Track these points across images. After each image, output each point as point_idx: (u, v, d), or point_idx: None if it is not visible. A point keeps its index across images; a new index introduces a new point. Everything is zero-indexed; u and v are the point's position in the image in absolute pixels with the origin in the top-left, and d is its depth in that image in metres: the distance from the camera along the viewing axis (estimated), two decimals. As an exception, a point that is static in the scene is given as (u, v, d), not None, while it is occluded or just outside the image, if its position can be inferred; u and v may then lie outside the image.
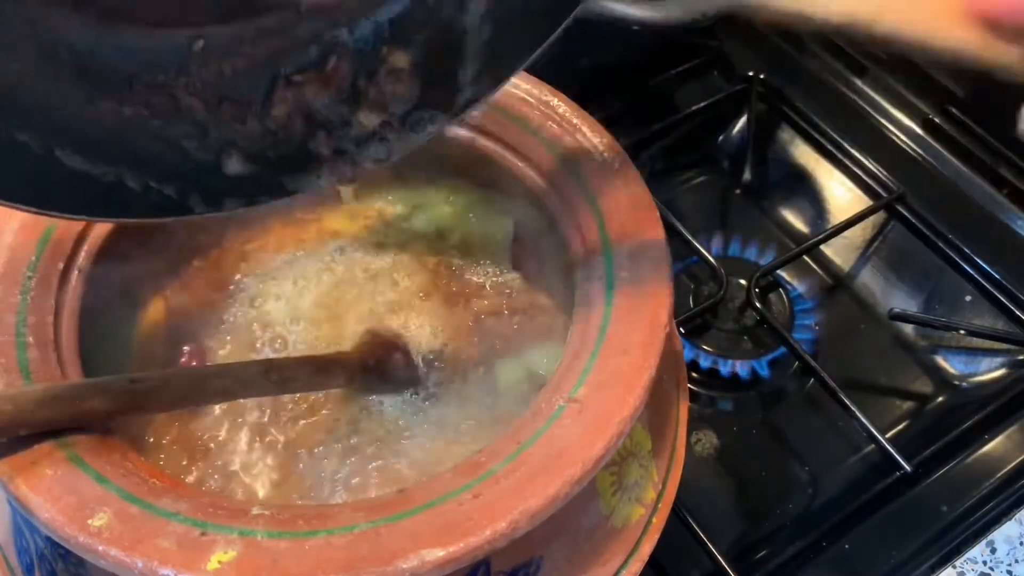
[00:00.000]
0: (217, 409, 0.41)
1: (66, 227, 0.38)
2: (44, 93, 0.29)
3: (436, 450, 0.41)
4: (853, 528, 0.50)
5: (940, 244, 0.63)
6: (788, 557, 0.49)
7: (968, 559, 0.47)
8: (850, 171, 0.68)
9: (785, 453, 0.55)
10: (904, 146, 0.69)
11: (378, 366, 0.42)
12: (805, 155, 0.70)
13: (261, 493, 0.40)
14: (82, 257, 0.38)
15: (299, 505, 0.38)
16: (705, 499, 0.51)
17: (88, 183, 0.31)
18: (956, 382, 0.58)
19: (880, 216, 0.65)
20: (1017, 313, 0.59)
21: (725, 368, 0.57)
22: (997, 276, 0.61)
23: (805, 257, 0.63)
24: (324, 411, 0.42)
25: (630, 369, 0.33)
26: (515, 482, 0.30)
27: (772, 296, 0.60)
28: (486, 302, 0.46)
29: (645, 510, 0.38)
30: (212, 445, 0.41)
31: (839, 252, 0.65)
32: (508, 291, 0.46)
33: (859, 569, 0.48)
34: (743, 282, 0.59)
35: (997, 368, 0.58)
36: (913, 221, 0.64)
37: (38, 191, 0.30)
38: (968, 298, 0.62)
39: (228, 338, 0.44)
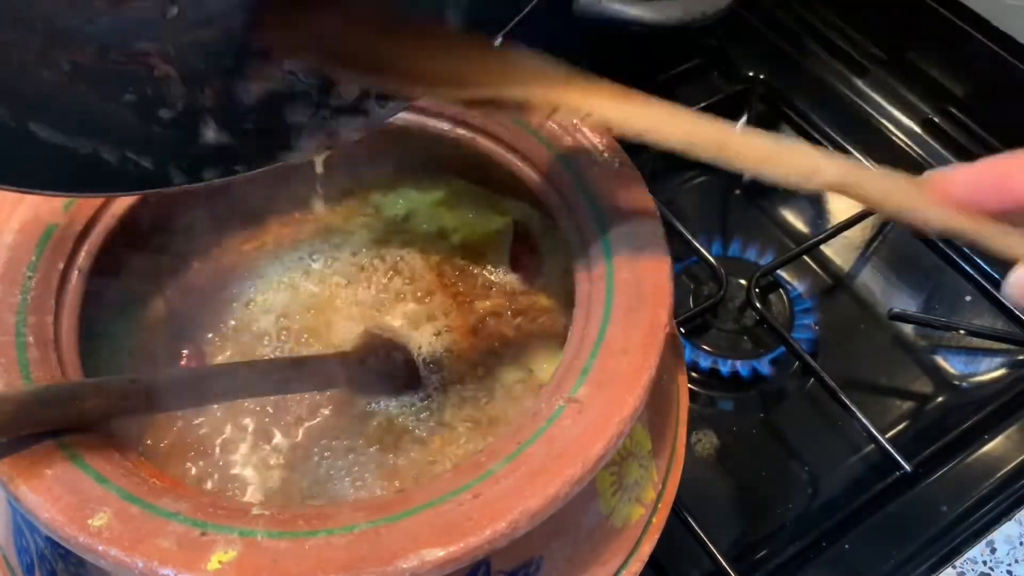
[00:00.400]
0: (218, 409, 0.41)
1: (66, 227, 0.38)
2: (16, 65, 0.29)
3: (436, 450, 0.41)
4: (853, 528, 0.50)
5: (940, 244, 0.63)
6: (788, 557, 0.49)
7: (968, 559, 0.47)
8: (850, 171, 0.68)
9: (785, 453, 0.55)
10: (904, 146, 0.69)
11: (378, 366, 0.42)
12: (805, 155, 0.70)
13: (261, 493, 0.40)
14: (82, 257, 0.38)
15: (299, 505, 0.38)
16: (705, 499, 0.51)
17: (65, 157, 0.30)
18: (956, 382, 0.58)
19: (880, 216, 0.65)
20: (1017, 313, 0.59)
21: (725, 368, 0.57)
22: (997, 276, 0.61)
23: (805, 257, 0.63)
24: (324, 411, 0.42)
25: (630, 369, 0.33)
26: (515, 482, 0.30)
27: (772, 296, 0.60)
28: (486, 302, 0.46)
29: (645, 510, 0.38)
30: (212, 445, 0.41)
31: (839, 252, 0.65)
32: (508, 291, 0.46)
33: (859, 569, 0.48)
34: (743, 282, 0.59)
35: (997, 368, 0.58)
36: (913, 221, 0.64)
37: (15, 168, 0.30)
38: (968, 298, 0.62)
39: (228, 338, 0.45)
